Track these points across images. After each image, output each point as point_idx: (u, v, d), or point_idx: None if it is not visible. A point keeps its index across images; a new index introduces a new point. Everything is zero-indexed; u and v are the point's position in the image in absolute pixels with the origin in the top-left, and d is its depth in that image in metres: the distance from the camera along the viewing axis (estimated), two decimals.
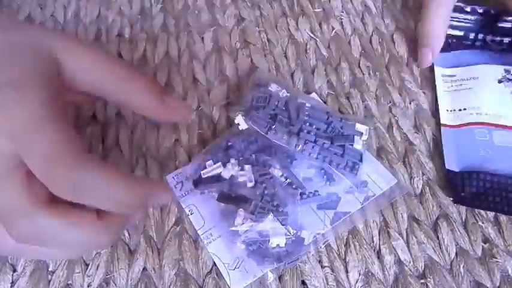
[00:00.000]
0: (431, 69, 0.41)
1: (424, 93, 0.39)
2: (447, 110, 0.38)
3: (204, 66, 0.42)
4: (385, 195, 0.33)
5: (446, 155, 0.35)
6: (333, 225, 0.32)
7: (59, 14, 0.48)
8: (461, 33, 0.43)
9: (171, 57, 0.43)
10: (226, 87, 0.40)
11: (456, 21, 0.43)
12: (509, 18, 0.41)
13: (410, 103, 0.39)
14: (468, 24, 0.43)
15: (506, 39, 0.42)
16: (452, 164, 0.35)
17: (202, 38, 0.45)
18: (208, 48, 0.43)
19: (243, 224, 0.30)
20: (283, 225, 0.30)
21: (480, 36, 0.42)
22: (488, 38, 0.42)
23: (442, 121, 0.37)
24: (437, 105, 0.38)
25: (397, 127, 0.37)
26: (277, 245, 0.30)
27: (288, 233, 0.30)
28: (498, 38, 0.42)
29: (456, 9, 0.42)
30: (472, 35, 0.42)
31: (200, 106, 0.39)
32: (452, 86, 0.39)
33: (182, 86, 0.40)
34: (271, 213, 0.30)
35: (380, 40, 0.44)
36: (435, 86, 0.39)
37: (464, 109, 0.37)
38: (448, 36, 0.42)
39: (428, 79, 0.40)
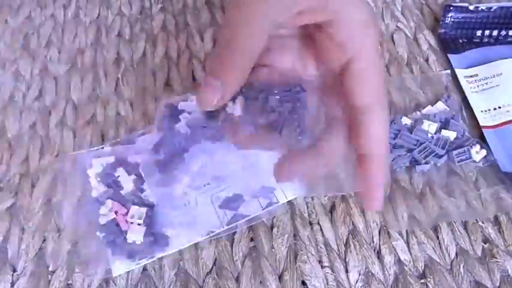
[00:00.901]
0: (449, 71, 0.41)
1: (424, 93, 0.39)
2: (482, 111, 0.37)
3: (204, 66, 0.42)
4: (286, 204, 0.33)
5: (497, 157, 0.34)
6: (229, 226, 0.32)
7: (59, 14, 0.48)
8: (469, 32, 0.43)
9: (171, 57, 0.43)
10: None
11: (462, 21, 0.43)
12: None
13: (410, 102, 0.39)
14: (473, 23, 0.43)
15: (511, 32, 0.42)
16: (506, 165, 0.34)
17: (202, 38, 0.45)
18: (208, 48, 0.43)
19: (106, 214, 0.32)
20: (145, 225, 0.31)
21: (487, 32, 0.42)
22: (495, 33, 0.42)
23: (481, 123, 0.36)
24: (461, 107, 0.38)
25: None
26: (134, 241, 0.31)
27: (149, 232, 0.31)
28: (504, 32, 0.42)
29: (461, 9, 0.43)
30: (479, 33, 0.43)
31: None
32: (478, 86, 0.39)
33: (182, 86, 0.40)
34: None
35: (380, 40, 0.44)
36: (461, 87, 0.39)
37: (499, 107, 0.37)
38: (458, 37, 0.42)
39: (429, 79, 0.40)
